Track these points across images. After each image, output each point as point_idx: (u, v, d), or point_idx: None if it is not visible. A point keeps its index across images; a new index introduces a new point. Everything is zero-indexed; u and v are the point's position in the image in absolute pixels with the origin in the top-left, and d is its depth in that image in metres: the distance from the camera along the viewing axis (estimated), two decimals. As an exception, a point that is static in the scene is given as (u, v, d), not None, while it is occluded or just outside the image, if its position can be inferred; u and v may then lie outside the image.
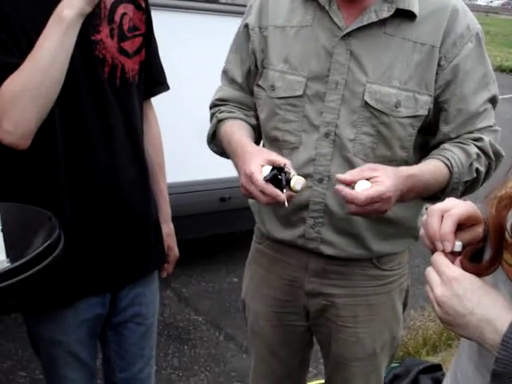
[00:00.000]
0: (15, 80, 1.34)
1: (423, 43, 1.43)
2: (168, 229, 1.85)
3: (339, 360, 1.66)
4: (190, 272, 4.08)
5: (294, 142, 1.52)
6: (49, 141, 1.46)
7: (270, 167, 1.33)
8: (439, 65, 1.43)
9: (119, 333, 1.74)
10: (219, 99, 1.70)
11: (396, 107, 1.44)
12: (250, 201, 1.70)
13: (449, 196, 1.43)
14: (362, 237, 1.52)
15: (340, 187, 1.28)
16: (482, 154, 1.47)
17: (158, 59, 1.76)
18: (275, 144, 1.56)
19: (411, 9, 1.42)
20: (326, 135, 1.48)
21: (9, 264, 1.09)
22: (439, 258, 0.95)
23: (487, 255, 0.97)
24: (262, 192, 1.30)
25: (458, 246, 0.96)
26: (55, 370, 1.67)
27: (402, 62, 1.43)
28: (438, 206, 1.01)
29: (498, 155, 1.51)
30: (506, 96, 10.96)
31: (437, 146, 1.51)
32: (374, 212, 1.30)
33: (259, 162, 1.35)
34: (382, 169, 1.32)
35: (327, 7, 1.46)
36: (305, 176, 1.41)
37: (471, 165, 1.46)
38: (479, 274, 0.93)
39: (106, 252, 1.60)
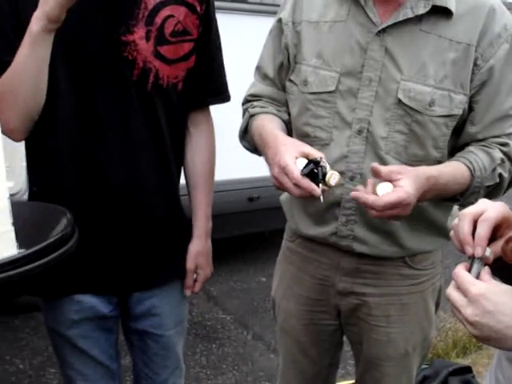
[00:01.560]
0: (1, 81, 1.38)
1: (459, 41, 1.41)
2: (201, 246, 1.72)
3: (371, 360, 1.65)
4: (219, 271, 4.09)
5: (325, 138, 1.51)
6: (61, 137, 1.47)
7: (305, 160, 1.31)
8: (475, 64, 1.41)
9: (143, 340, 1.72)
10: (252, 95, 1.69)
11: (430, 106, 1.42)
12: (282, 198, 1.70)
13: (469, 199, 1.43)
14: (395, 234, 1.51)
15: (357, 194, 1.30)
16: (506, 160, 1.46)
17: (217, 68, 1.69)
18: (306, 140, 1.53)
19: (448, 6, 1.40)
20: (359, 132, 1.47)
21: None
22: (462, 274, 0.92)
23: None
24: (296, 185, 1.29)
25: (489, 252, 0.94)
26: (62, 358, 1.67)
27: (438, 60, 1.41)
28: (471, 210, 0.98)
29: None
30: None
31: (462, 147, 1.49)
32: (394, 217, 1.32)
33: (293, 153, 1.32)
34: (406, 172, 1.31)
35: (363, 2, 1.45)
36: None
37: (494, 170, 1.44)
38: None
39: (113, 254, 1.56)
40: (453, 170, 1.40)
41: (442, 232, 1.58)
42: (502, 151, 1.45)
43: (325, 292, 1.63)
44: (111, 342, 1.69)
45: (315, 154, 1.32)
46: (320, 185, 1.27)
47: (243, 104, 1.71)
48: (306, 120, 1.54)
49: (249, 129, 1.64)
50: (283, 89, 1.63)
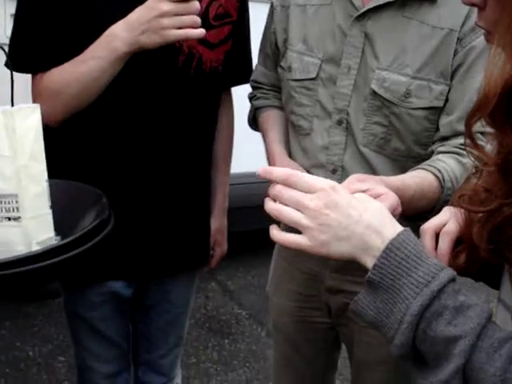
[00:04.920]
0: (57, 78, 1.38)
1: (442, 27, 1.30)
2: (219, 223, 1.79)
3: (362, 362, 1.55)
4: (237, 265, 4.03)
5: (307, 127, 1.44)
6: (102, 122, 1.46)
7: None
8: (455, 50, 1.30)
9: (147, 315, 1.74)
10: (254, 81, 1.67)
11: (406, 97, 1.32)
12: None
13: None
14: None
15: None
16: None
17: (247, 49, 1.70)
18: (293, 129, 1.50)
19: None
20: (339, 122, 1.39)
21: (57, 241, 1.08)
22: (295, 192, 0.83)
23: None
24: None
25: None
26: (78, 341, 1.68)
27: (418, 47, 1.31)
28: (432, 224, 0.92)
29: None
30: None
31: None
32: None
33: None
34: (371, 179, 1.07)
35: None
36: (318, 166, 1.37)
37: None
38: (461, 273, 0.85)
39: (144, 242, 1.57)
40: (420, 182, 1.20)
41: None
42: None
43: (315, 288, 1.55)
44: (126, 322, 1.72)
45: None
46: None
47: (251, 88, 1.70)
48: (291, 108, 1.47)
49: (257, 120, 1.63)
50: None
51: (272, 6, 1.54)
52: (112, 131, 1.47)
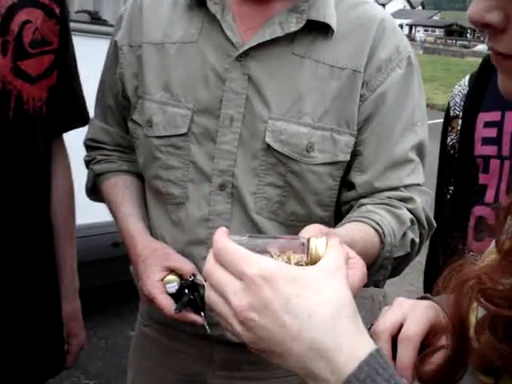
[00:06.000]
0: None
1: (342, 67, 1.12)
2: (71, 308, 1.47)
3: None
4: (79, 326, 3.59)
5: (179, 195, 1.18)
6: None
7: (175, 279, 1.12)
8: (361, 95, 1.12)
9: None
10: (92, 139, 1.35)
11: (308, 151, 1.11)
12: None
13: (375, 277, 1.07)
14: None
15: None
16: (415, 221, 1.13)
17: (76, 84, 1.41)
18: (158, 198, 1.22)
19: (327, 21, 1.11)
20: (222, 187, 1.14)
21: None
22: (232, 247, 0.60)
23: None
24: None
25: None
26: None
27: (316, 91, 1.11)
28: (384, 326, 0.72)
29: (430, 225, 1.18)
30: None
31: (347, 206, 1.17)
32: None
33: (157, 275, 1.12)
34: (333, 234, 0.85)
35: (219, 16, 1.13)
36: (197, 242, 1.14)
37: (405, 235, 1.11)
38: None
39: None
40: (364, 237, 1.02)
41: None
42: (408, 209, 1.12)
43: (193, 391, 1.26)
44: None
45: (183, 266, 1.13)
46: (202, 313, 1.11)
47: (86, 148, 1.38)
48: (155, 172, 1.20)
49: (98, 190, 1.34)
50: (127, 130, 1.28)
51: (115, 46, 1.25)
52: None
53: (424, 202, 1.16)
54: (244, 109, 1.12)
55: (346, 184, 1.16)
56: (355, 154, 1.14)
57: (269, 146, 1.11)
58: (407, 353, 0.69)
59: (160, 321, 1.25)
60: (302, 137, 1.10)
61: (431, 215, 1.19)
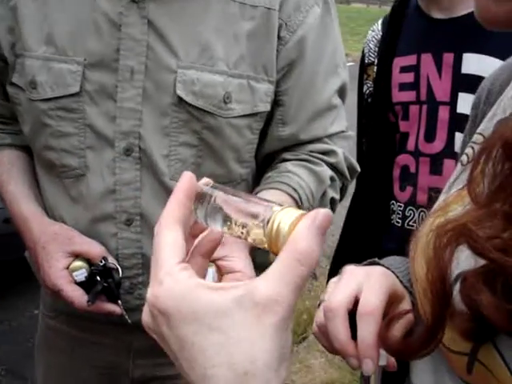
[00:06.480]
0: None
1: (255, 5, 1.00)
2: None
3: None
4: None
5: (77, 166, 1.02)
6: None
7: (83, 265, 0.99)
8: (279, 37, 1.01)
9: None
10: None
11: (225, 103, 0.99)
12: (28, 255, 1.14)
13: None
14: None
15: None
16: (336, 177, 1.09)
17: None
18: (52, 172, 1.05)
19: None
20: (127, 152, 1.00)
21: None
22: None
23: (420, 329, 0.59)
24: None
25: (383, 357, 0.62)
26: None
27: (227, 33, 0.99)
28: (339, 302, 0.63)
29: (353, 171, 1.14)
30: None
31: (269, 158, 1.10)
32: None
33: (62, 262, 0.99)
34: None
35: None
36: (102, 218, 1.00)
37: (325, 194, 1.07)
38: (409, 355, 0.57)
39: None
40: None
41: None
42: (329, 165, 1.07)
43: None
44: None
45: (91, 250, 1.00)
46: (119, 301, 1.00)
47: None
48: (46, 141, 1.03)
49: None
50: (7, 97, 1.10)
51: None
52: None
53: (347, 149, 1.12)
54: (146, 58, 0.98)
55: (267, 136, 1.07)
56: (277, 104, 1.05)
57: (180, 99, 0.98)
58: (369, 329, 0.60)
59: (67, 312, 1.10)
60: (218, 86, 0.98)
61: (355, 163, 1.14)
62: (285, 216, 0.42)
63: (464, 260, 0.50)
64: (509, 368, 0.48)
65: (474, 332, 0.49)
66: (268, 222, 0.42)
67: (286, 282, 0.39)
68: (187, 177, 0.46)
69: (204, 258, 0.49)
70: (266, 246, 0.43)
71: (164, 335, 0.42)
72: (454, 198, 0.58)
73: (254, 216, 0.43)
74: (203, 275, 0.49)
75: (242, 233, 0.44)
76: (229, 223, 0.45)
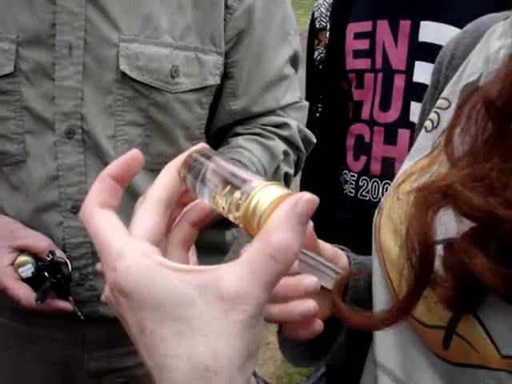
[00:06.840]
0: None
1: None
2: None
3: None
4: None
5: (16, 152, 0.96)
6: None
7: (29, 260, 0.94)
8: (227, 6, 0.97)
9: None
10: None
11: (173, 77, 0.95)
12: None
13: None
14: None
15: None
16: (290, 150, 1.07)
17: None
18: None
19: None
20: (69, 135, 0.95)
21: None
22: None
23: (379, 296, 0.58)
24: None
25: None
26: None
27: (172, 2, 0.94)
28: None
29: (308, 143, 1.12)
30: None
31: (221, 133, 1.07)
32: None
33: (5, 258, 0.93)
34: None
35: None
36: (46, 207, 0.95)
37: (278, 169, 1.05)
38: (370, 328, 0.53)
39: None
40: None
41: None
42: (282, 138, 1.04)
43: (68, 379, 1.09)
44: None
45: (37, 243, 0.94)
46: (70, 297, 0.95)
47: None
48: None
49: None
50: None
51: None
52: None
53: (301, 120, 1.10)
54: (85, 32, 0.92)
55: (218, 111, 1.04)
56: (227, 77, 1.01)
57: (124, 74, 0.93)
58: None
59: (14, 308, 1.04)
60: (164, 60, 0.94)
61: (309, 133, 1.12)
62: (264, 194, 0.36)
63: (441, 225, 0.48)
64: (490, 336, 0.46)
65: (456, 301, 0.46)
66: (246, 198, 0.36)
67: (257, 280, 0.34)
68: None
69: (192, 227, 0.44)
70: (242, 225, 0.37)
71: (124, 317, 0.37)
72: (420, 165, 0.56)
73: (238, 190, 0.37)
74: (189, 245, 0.45)
75: (223, 208, 0.38)
76: (214, 195, 0.40)
